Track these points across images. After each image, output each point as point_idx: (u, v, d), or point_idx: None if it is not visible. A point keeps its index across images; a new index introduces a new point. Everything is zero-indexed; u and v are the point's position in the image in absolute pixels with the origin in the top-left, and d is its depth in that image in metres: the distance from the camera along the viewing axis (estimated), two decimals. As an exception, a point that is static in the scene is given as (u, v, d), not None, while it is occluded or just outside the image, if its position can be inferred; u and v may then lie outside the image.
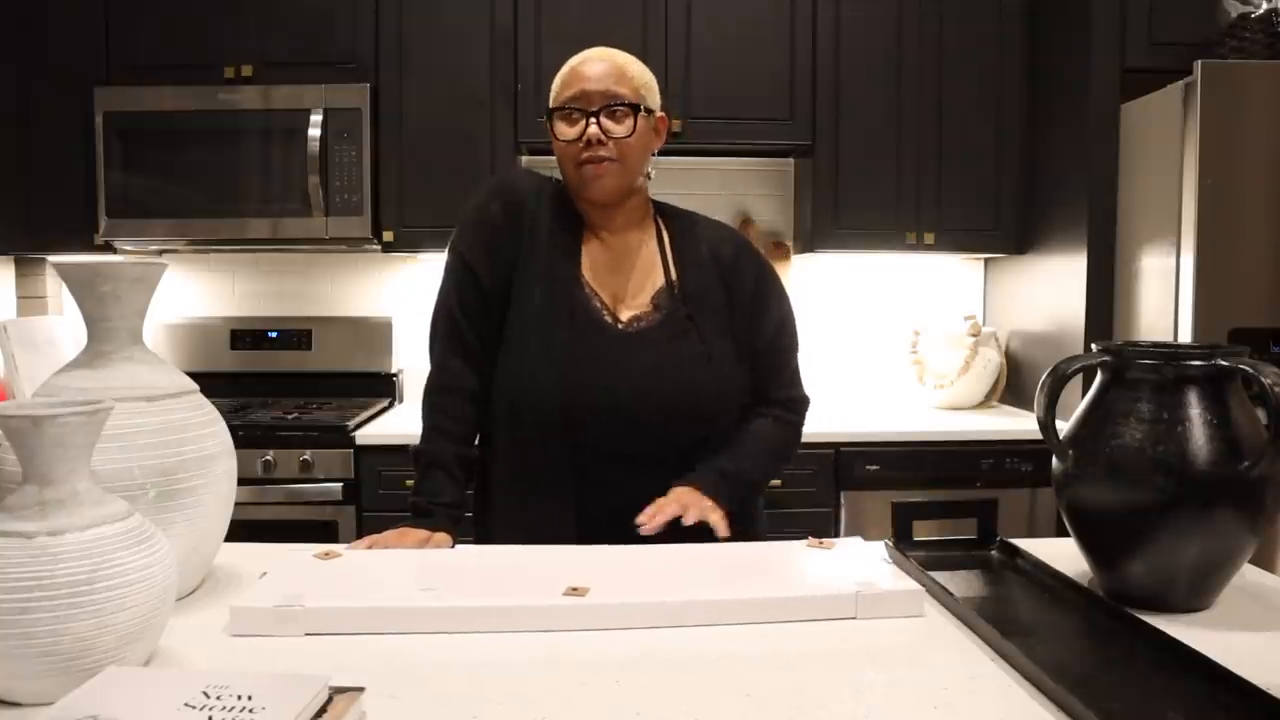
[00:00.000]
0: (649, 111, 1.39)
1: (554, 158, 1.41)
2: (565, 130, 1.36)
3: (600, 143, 1.33)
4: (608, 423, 1.32)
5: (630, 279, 1.41)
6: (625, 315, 1.39)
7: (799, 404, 1.49)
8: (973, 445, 2.59)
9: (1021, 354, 3.00)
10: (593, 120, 1.33)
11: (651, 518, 1.24)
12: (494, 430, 1.38)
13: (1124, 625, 0.97)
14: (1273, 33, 2.42)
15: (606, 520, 1.28)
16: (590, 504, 1.33)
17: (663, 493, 1.31)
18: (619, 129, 1.35)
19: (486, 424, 1.40)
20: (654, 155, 1.45)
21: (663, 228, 1.46)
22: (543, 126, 1.44)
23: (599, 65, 1.36)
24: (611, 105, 1.34)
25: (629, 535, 1.22)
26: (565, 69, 1.39)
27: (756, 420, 1.43)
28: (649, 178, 1.45)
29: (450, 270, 1.42)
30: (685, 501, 1.27)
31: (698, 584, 1.04)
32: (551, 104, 1.38)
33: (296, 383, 3.02)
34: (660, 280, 1.42)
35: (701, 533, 1.26)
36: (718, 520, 1.28)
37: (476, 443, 1.42)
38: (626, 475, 1.32)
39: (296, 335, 3.03)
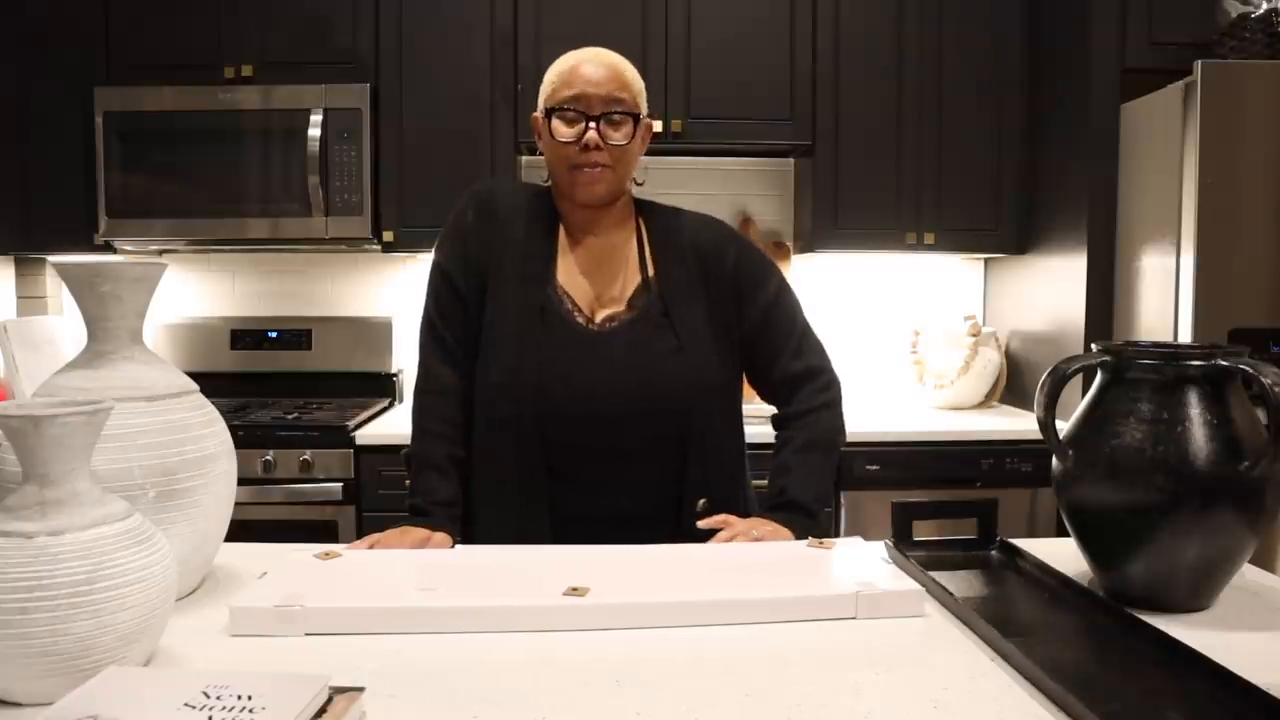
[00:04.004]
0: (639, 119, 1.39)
1: None
2: (563, 131, 1.34)
3: (597, 148, 1.33)
4: (581, 421, 1.32)
5: (609, 280, 1.41)
6: (600, 316, 1.38)
7: (818, 376, 1.43)
8: (973, 445, 2.59)
9: (1021, 354, 3.00)
10: (592, 125, 1.33)
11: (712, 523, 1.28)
12: (473, 432, 1.39)
13: (1124, 625, 0.97)
14: (1273, 33, 2.42)
15: (582, 519, 1.28)
16: (566, 502, 1.33)
17: (639, 491, 1.33)
18: (617, 136, 1.34)
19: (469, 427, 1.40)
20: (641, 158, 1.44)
21: (642, 225, 1.45)
22: (534, 124, 1.42)
23: (600, 69, 1.35)
24: (612, 112, 1.34)
25: (603, 533, 1.23)
26: (563, 67, 1.36)
27: (785, 434, 1.41)
28: (639, 183, 1.45)
29: (430, 279, 1.44)
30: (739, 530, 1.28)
31: (697, 584, 1.04)
32: (547, 103, 1.36)
33: (296, 383, 3.02)
34: (637, 279, 1.41)
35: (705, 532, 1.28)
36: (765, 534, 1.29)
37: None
38: (602, 472, 1.33)
39: (296, 335, 3.03)
